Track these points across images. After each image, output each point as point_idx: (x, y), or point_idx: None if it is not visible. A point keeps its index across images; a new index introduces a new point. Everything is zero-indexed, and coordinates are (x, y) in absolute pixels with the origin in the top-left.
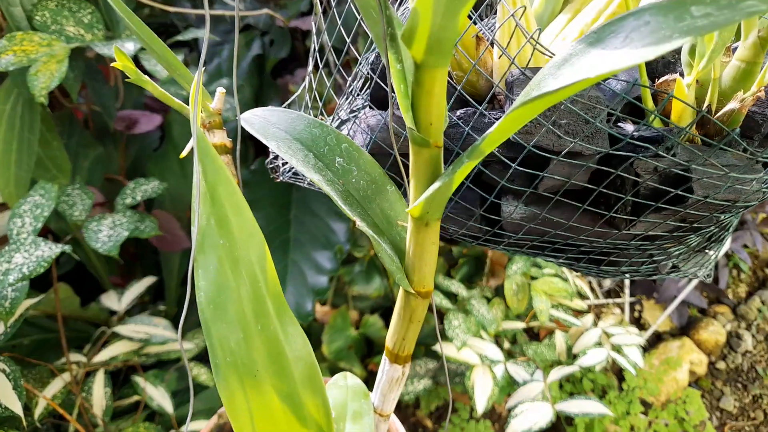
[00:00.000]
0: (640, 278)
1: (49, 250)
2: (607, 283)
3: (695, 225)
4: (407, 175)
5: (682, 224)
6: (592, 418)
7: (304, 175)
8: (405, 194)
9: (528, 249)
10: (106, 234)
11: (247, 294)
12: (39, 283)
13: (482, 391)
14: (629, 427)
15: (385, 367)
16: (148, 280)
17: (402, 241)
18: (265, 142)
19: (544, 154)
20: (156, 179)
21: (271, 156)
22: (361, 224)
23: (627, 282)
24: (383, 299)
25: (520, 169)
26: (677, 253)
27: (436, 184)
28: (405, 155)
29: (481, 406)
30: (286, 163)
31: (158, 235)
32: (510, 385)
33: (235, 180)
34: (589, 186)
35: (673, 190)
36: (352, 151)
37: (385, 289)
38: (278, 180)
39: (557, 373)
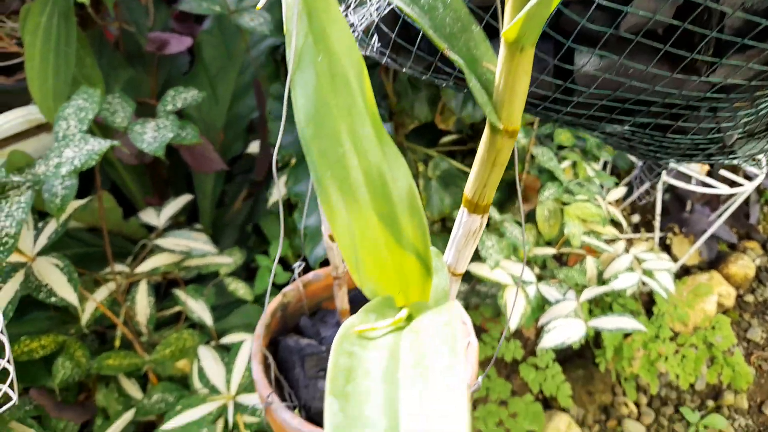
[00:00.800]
0: (700, 161)
1: (99, 144)
2: (636, 218)
3: None
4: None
5: (764, 68)
6: (621, 340)
7: (361, 40)
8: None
9: (593, 113)
10: (151, 135)
11: (347, 110)
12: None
13: (515, 309)
14: (658, 352)
15: (462, 219)
16: (185, 198)
17: (488, 82)
18: None
19: None
20: (194, 89)
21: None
22: (449, 53)
23: (657, 212)
24: None
25: (604, 2)
26: (746, 119)
27: None
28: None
29: (513, 323)
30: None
31: (196, 144)
32: (541, 309)
33: None
34: (674, 22)
35: (763, 20)
36: None
37: None
38: (364, 54)
39: (590, 292)
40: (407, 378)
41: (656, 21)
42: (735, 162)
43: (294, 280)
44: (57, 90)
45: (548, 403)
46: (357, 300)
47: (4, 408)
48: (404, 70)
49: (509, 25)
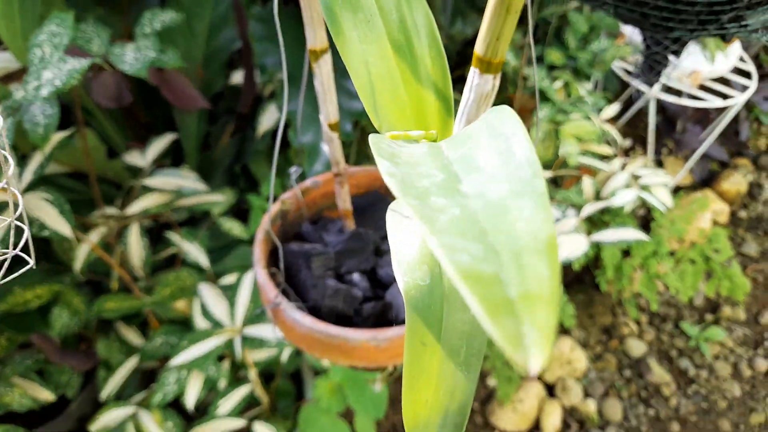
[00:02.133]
0: (712, 33)
1: (78, 63)
2: (628, 142)
3: None
4: None
5: None
6: (620, 258)
7: None
8: None
9: None
10: (132, 56)
11: None
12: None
13: None
14: (656, 268)
15: (473, 82)
16: (169, 137)
17: None
18: None
19: None
20: (172, 11)
21: None
22: None
23: (651, 129)
24: None
25: None
26: None
27: None
28: None
29: None
30: None
31: (181, 67)
32: None
33: None
34: None
35: None
36: None
37: None
38: None
39: (590, 208)
40: (457, 157)
41: None
42: (747, 34)
43: (292, 187)
44: (25, 28)
45: None
46: (360, 204)
47: (21, 271)
48: None
49: None
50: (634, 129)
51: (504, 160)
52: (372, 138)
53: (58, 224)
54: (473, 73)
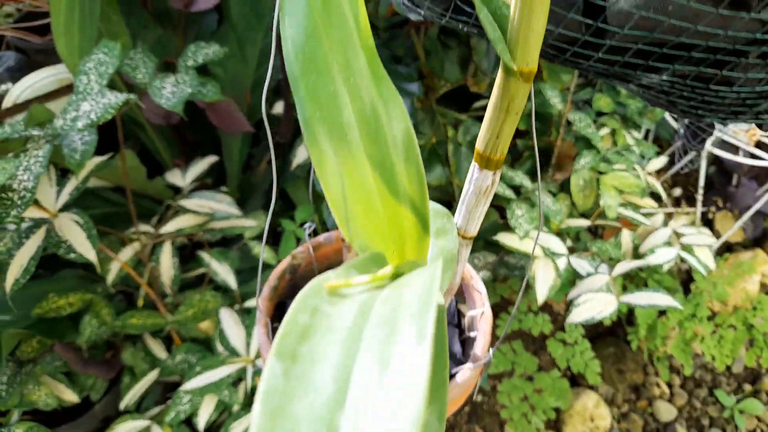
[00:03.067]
0: (747, 120)
1: (116, 98)
2: (678, 191)
3: None
4: None
5: None
6: (655, 318)
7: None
8: None
9: (627, 59)
10: (170, 91)
11: (339, 43)
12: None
13: (544, 282)
14: (693, 331)
15: (473, 176)
16: (211, 159)
17: (502, 17)
18: None
19: None
20: (217, 44)
21: None
22: None
23: (701, 184)
24: (442, 192)
25: None
26: None
27: None
28: None
29: (541, 296)
30: None
31: (219, 102)
32: (571, 283)
33: None
34: None
35: None
36: None
37: (446, 179)
38: None
39: (624, 266)
40: (370, 338)
41: None
42: None
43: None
44: (82, 47)
45: (576, 380)
46: None
47: None
48: (422, 13)
49: None
50: (685, 179)
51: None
52: (302, 293)
53: (85, 249)
54: (473, 167)
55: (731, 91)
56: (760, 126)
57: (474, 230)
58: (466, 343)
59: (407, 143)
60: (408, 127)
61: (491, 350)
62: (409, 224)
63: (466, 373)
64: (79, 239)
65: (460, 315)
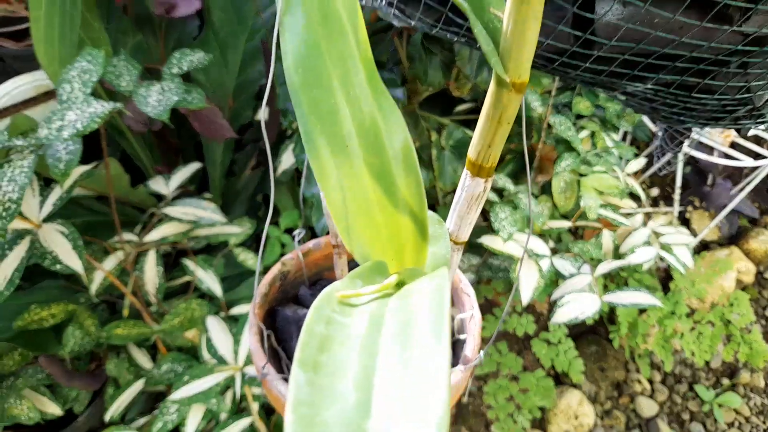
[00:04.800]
0: (726, 126)
1: (101, 107)
2: (656, 192)
3: None
4: None
5: None
6: (636, 317)
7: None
8: None
9: (614, 69)
10: (156, 99)
11: (339, 56)
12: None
13: (527, 283)
14: (673, 329)
15: (465, 183)
16: (194, 166)
17: (495, 29)
18: None
19: None
20: (201, 51)
21: None
22: None
23: (678, 184)
24: (426, 195)
25: None
26: None
27: None
28: None
29: (525, 297)
30: None
31: (202, 109)
32: (554, 283)
33: None
34: None
35: None
36: None
37: (430, 182)
38: (372, 5)
39: (606, 266)
40: (387, 348)
41: None
42: (764, 127)
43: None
44: (63, 54)
45: (560, 379)
46: None
47: None
48: (413, 23)
49: None
50: (663, 179)
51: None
52: (316, 304)
53: (70, 259)
54: (465, 174)
55: (713, 98)
56: (738, 131)
57: (465, 236)
58: (456, 345)
59: (406, 154)
60: (407, 138)
61: (481, 352)
62: (408, 232)
63: (457, 374)
64: (64, 250)
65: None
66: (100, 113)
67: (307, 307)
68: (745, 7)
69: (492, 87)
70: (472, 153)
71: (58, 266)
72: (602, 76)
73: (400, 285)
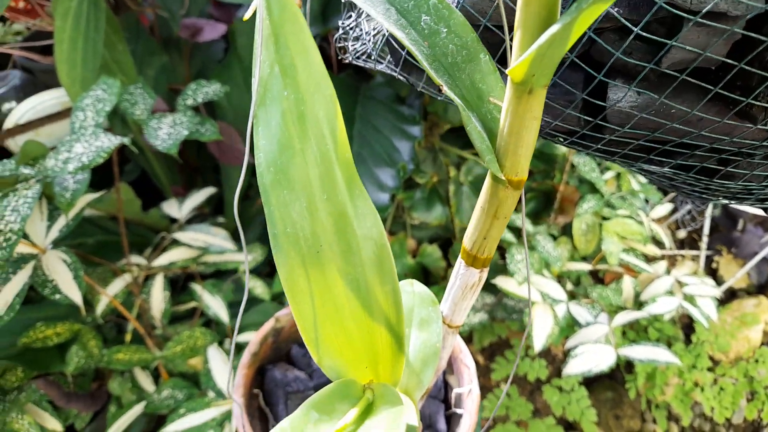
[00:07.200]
0: (751, 206)
1: (109, 141)
2: (683, 234)
3: None
4: (510, 31)
5: None
6: (654, 367)
7: (373, 55)
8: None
9: (628, 152)
10: (166, 132)
11: (313, 157)
12: (102, 185)
13: (541, 329)
14: (693, 382)
15: (459, 271)
16: (209, 190)
17: (493, 120)
18: None
19: (677, 12)
20: (218, 82)
21: (340, 32)
22: (447, 91)
23: (705, 232)
24: (443, 230)
25: (644, 34)
26: None
27: (549, 32)
28: (501, 27)
29: (539, 344)
30: (356, 42)
31: (218, 140)
32: (570, 327)
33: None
34: (728, 61)
35: None
36: (441, 8)
37: (447, 218)
38: (346, 61)
39: (624, 317)
40: None
41: (706, 58)
42: None
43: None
44: (84, 76)
45: (571, 427)
46: None
47: None
48: (419, 89)
49: (516, 62)
50: (691, 221)
51: None
52: None
53: (70, 290)
54: (459, 263)
55: (736, 184)
56: (765, 210)
57: (460, 320)
58: (452, 419)
59: (382, 260)
60: (384, 245)
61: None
62: (383, 344)
63: None
64: (65, 279)
65: (447, 387)
66: (107, 148)
67: (299, 367)
68: None
69: (488, 181)
70: (467, 242)
71: (57, 296)
72: (616, 157)
73: (367, 410)
